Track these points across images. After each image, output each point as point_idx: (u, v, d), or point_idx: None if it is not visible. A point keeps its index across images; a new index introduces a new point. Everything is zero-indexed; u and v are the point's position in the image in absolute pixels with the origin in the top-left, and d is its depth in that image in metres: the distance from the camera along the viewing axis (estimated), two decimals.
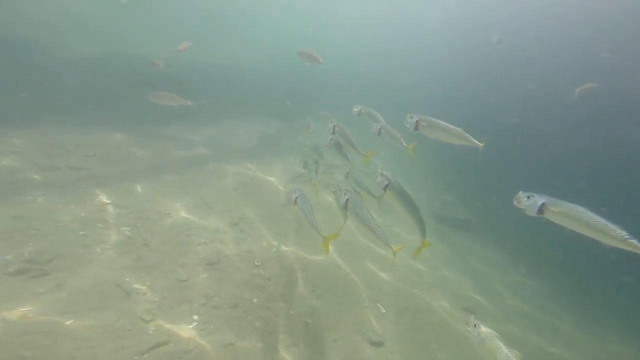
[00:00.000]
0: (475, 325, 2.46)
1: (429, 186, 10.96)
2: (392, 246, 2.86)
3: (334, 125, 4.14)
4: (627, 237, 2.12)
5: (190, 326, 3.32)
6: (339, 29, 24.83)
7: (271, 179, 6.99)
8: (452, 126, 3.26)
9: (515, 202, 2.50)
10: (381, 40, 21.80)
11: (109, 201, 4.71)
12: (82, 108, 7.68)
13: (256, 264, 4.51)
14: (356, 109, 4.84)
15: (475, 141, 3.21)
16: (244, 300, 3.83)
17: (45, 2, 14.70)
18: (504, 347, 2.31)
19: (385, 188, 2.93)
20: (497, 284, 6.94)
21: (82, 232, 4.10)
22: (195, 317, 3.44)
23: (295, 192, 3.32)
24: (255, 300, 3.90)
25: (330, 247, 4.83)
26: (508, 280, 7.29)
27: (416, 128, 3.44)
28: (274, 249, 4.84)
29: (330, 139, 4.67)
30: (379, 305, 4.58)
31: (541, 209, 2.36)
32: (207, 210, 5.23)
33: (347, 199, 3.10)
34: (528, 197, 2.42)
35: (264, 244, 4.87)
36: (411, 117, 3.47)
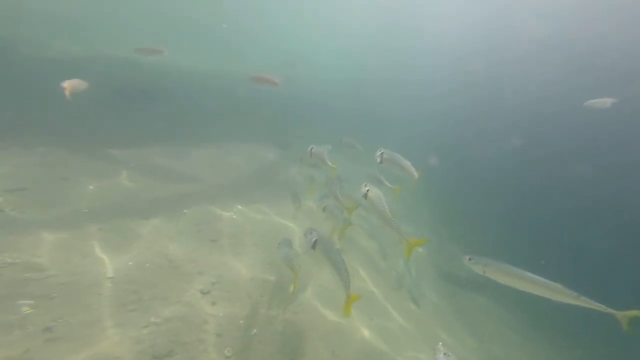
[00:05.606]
0: (444, 354, 2.35)
1: (436, 236, 9.92)
2: (350, 293, 2.63)
3: (311, 148, 4.46)
4: (576, 294, 2.26)
5: None
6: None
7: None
8: (404, 160, 3.74)
9: (464, 262, 2.73)
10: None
11: (16, 260, 3.25)
12: (38, 122, 6.06)
13: (227, 354, 3.13)
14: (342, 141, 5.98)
15: (415, 173, 3.70)
16: None
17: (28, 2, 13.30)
18: None
19: (365, 196, 3.03)
20: None
21: None
22: None
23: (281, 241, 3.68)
24: None
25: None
26: None
27: (381, 161, 3.83)
28: (255, 330, 3.48)
29: (331, 181, 4.83)
30: None
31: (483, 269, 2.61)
32: (171, 270, 3.83)
33: (316, 240, 2.90)
34: (470, 259, 2.66)
35: (241, 322, 3.51)
36: (379, 151, 3.88)
